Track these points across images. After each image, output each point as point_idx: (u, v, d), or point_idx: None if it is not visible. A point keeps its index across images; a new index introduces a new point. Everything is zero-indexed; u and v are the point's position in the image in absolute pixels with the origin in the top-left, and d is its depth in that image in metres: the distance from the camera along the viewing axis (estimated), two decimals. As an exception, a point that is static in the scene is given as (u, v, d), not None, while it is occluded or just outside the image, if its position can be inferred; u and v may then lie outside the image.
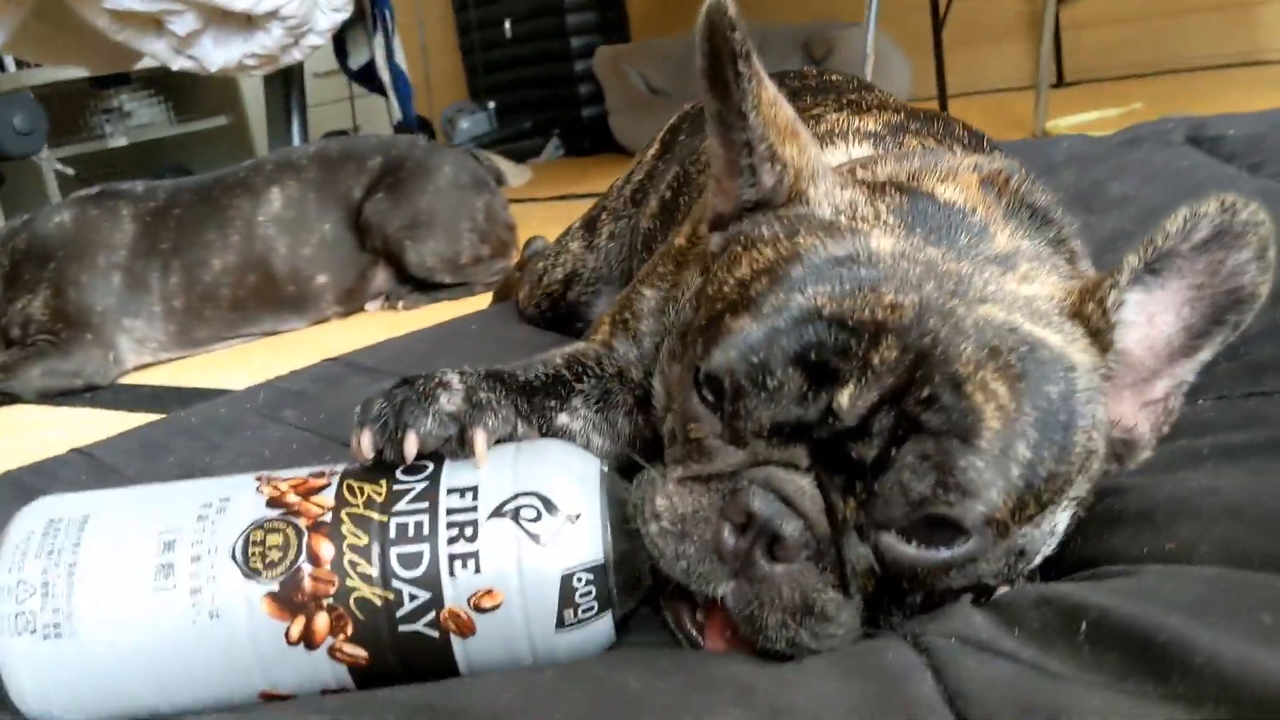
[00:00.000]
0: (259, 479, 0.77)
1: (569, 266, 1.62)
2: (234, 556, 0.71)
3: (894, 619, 0.74)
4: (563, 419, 0.90)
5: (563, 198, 4.00)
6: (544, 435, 0.88)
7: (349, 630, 0.71)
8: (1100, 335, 0.74)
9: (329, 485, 0.75)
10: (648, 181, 1.53)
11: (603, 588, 0.73)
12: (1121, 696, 0.62)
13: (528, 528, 0.72)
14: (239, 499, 0.75)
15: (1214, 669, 0.60)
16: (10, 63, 4.37)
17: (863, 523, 0.70)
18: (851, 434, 0.69)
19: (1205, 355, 0.76)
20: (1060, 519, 0.76)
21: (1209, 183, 1.38)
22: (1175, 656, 0.62)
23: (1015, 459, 0.68)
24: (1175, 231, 0.71)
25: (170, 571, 0.71)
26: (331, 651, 0.71)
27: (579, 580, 0.72)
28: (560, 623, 0.72)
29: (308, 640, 0.71)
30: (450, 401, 0.79)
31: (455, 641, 0.72)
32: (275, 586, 0.71)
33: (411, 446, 0.75)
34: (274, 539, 0.72)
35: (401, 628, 0.71)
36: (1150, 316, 0.75)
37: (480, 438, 0.76)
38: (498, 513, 0.72)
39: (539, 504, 0.73)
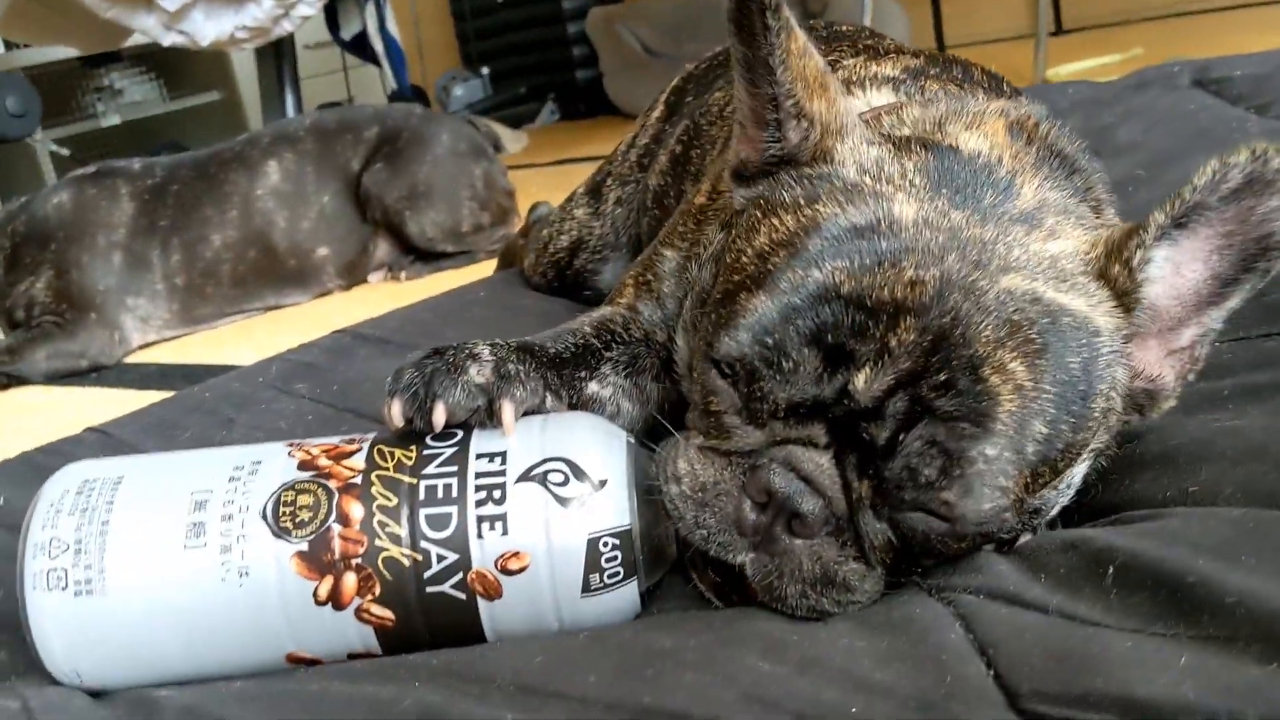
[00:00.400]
0: (290, 445, 0.78)
1: (575, 234, 1.61)
2: (264, 516, 0.72)
3: (915, 577, 0.75)
4: (593, 387, 0.90)
5: (560, 162, 3.99)
6: (574, 405, 0.88)
7: (376, 591, 0.71)
8: (1126, 296, 0.74)
9: (360, 450, 0.76)
10: (654, 145, 1.51)
11: (628, 554, 0.73)
12: (1151, 639, 0.62)
13: (555, 491, 0.72)
14: (270, 462, 0.76)
15: (1245, 608, 0.61)
16: (0, 44, 4.34)
17: (877, 502, 0.71)
18: (866, 415, 0.69)
19: (1234, 303, 0.76)
20: (1077, 472, 0.76)
21: (1216, 125, 1.37)
22: (1205, 597, 0.63)
23: (1031, 437, 0.68)
24: (1204, 184, 0.70)
25: (201, 530, 0.72)
26: (359, 612, 0.72)
27: (605, 545, 0.72)
28: (586, 587, 0.72)
29: (335, 600, 0.71)
30: (479, 373, 0.79)
31: (481, 604, 0.72)
32: (304, 546, 0.71)
33: (440, 416, 0.76)
34: (304, 499, 0.73)
35: (429, 589, 0.72)
36: (1177, 267, 0.74)
37: (508, 409, 0.77)
38: (526, 477, 0.73)
39: (566, 469, 0.73)
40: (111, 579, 0.71)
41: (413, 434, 0.77)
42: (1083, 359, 0.71)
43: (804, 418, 0.71)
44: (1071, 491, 0.78)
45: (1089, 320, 0.72)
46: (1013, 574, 0.71)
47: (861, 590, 0.72)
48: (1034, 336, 0.69)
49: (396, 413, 0.77)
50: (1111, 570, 0.68)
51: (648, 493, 0.76)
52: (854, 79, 1.02)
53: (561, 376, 0.87)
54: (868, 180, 0.77)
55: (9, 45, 4.34)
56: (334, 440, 0.78)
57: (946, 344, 0.68)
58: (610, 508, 0.73)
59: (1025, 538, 0.77)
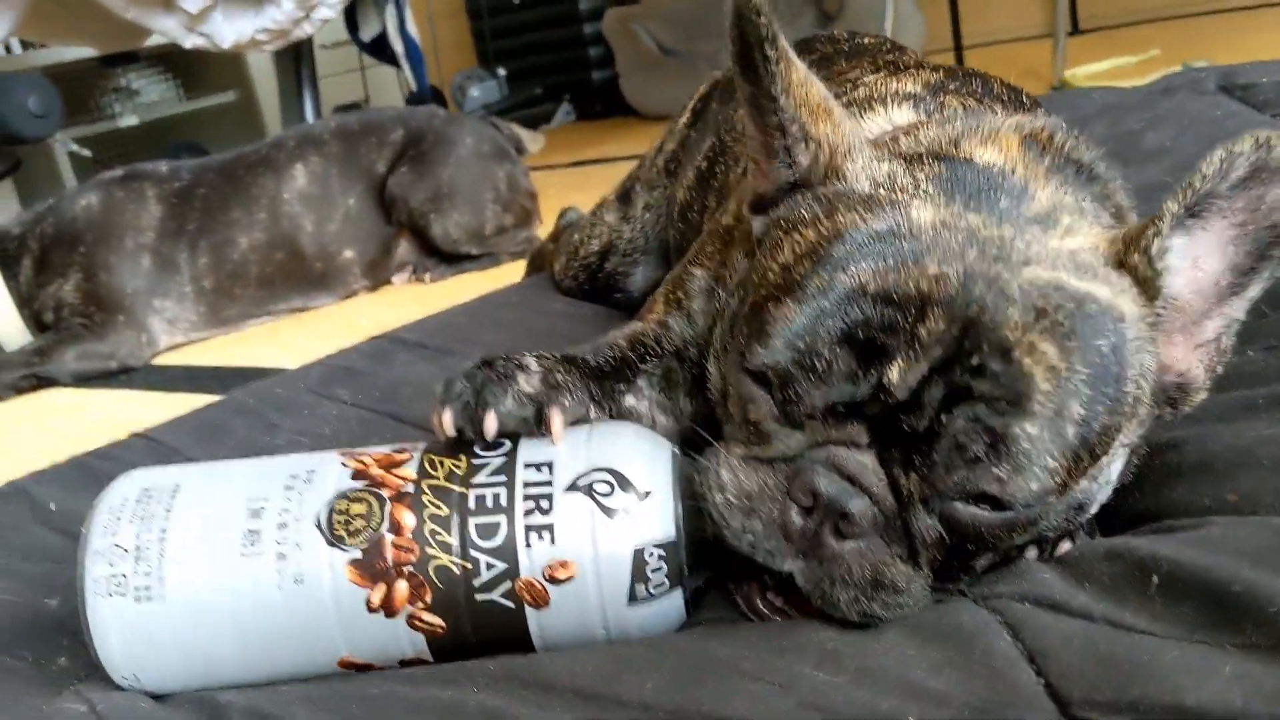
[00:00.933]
0: (343, 454, 0.79)
1: (605, 238, 1.63)
2: (319, 524, 0.74)
3: (962, 583, 0.76)
4: (629, 400, 0.92)
5: (578, 164, 4.00)
6: (613, 417, 0.89)
7: (427, 598, 0.73)
8: (1147, 283, 0.75)
9: (411, 459, 0.77)
10: (680, 151, 1.53)
11: (674, 564, 0.74)
12: (1197, 647, 0.63)
13: (602, 501, 0.73)
14: (324, 471, 0.77)
15: (1290, 617, 0.61)
16: (17, 44, 4.35)
17: (927, 494, 0.71)
18: (904, 408, 0.70)
19: (1254, 292, 0.77)
20: (1114, 467, 0.77)
21: (1243, 131, 1.38)
22: (1250, 606, 0.64)
23: (1069, 418, 0.69)
24: (1213, 173, 0.71)
25: (257, 538, 0.73)
26: (410, 619, 0.73)
27: (651, 555, 0.73)
28: (632, 597, 0.73)
29: (387, 607, 0.73)
30: (528, 383, 0.80)
31: (530, 613, 0.73)
32: (358, 554, 0.73)
33: (491, 424, 0.77)
34: (358, 508, 0.74)
35: (478, 597, 0.73)
36: (1195, 260, 0.75)
37: (557, 417, 0.78)
38: (573, 487, 0.74)
39: (613, 480, 0.74)
40: (170, 585, 0.73)
41: (462, 443, 0.79)
42: (1111, 343, 0.71)
43: (842, 418, 0.72)
44: (1109, 488, 0.78)
45: (1114, 306, 0.73)
46: (1057, 582, 0.72)
47: (910, 593, 0.73)
48: (1062, 320, 0.70)
49: (448, 422, 0.78)
50: (1156, 579, 0.69)
51: (695, 505, 0.76)
52: (875, 96, 1.03)
53: (603, 388, 0.88)
54: (883, 191, 0.79)
55: (25, 45, 4.36)
56: (385, 449, 0.80)
57: (976, 330, 0.69)
58: (656, 518, 0.74)
59: (1065, 546, 0.78)
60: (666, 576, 0.74)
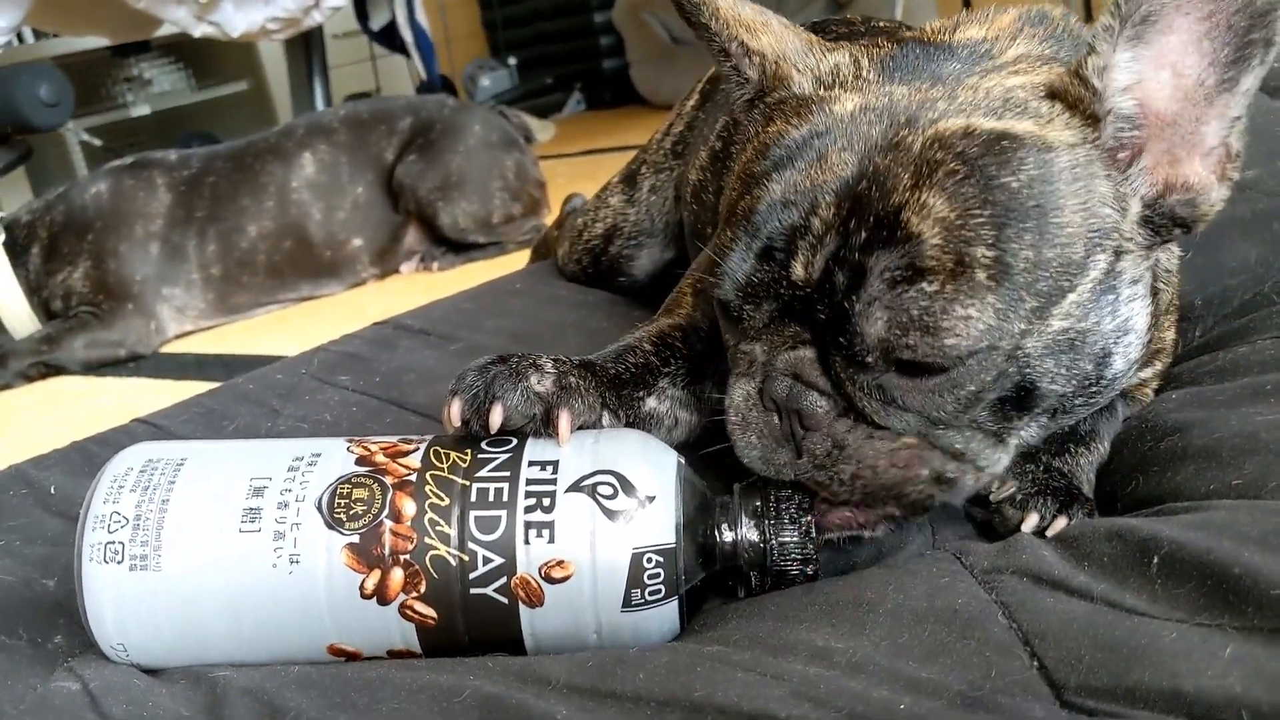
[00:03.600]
0: (350, 440, 0.79)
1: (610, 221, 1.62)
2: (319, 507, 0.73)
3: (955, 426, 0.75)
4: (650, 404, 0.91)
5: (588, 152, 3.99)
6: (631, 423, 0.89)
7: (422, 588, 0.72)
8: (1082, 107, 0.73)
9: (417, 450, 0.77)
10: (688, 133, 1.52)
11: (670, 572, 0.73)
12: (1197, 630, 0.62)
13: (604, 503, 0.73)
14: (330, 455, 0.77)
15: (1291, 601, 0.61)
16: (29, 33, 4.37)
17: (856, 376, 0.73)
18: (816, 299, 0.72)
19: (1248, 83, 0.72)
20: (1125, 310, 0.75)
21: (1256, 116, 1.36)
22: (1250, 589, 0.63)
23: (975, 263, 0.68)
24: None
25: (257, 515, 0.73)
26: (402, 608, 0.73)
27: (648, 561, 0.73)
28: (627, 602, 0.73)
29: (381, 595, 0.72)
30: (540, 382, 0.80)
31: (523, 610, 0.73)
32: (355, 538, 0.72)
33: (497, 418, 0.77)
34: (359, 493, 0.74)
35: (473, 590, 0.72)
36: (1172, 66, 0.72)
37: (564, 419, 0.78)
38: (576, 487, 0.74)
39: (616, 482, 0.74)
40: (166, 556, 0.73)
41: (469, 437, 0.79)
42: (1027, 176, 0.70)
43: (783, 323, 0.76)
44: (1135, 339, 0.77)
45: (1038, 138, 0.71)
46: (1058, 561, 0.72)
47: (892, 452, 0.75)
48: (956, 169, 0.69)
49: (455, 412, 0.78)
50: (1156, 560, 0.68)
51: (695, 514, 0.76)
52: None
53: (620, 397, 0.88)
54: (821, 90, 0.81)
55: (37, 34, 4.38)
56: (393, 438, 0.80)
57: (862, 205, 0.70)
58: (656, 524, 0.73)
59: (1061, 522, 0.78)
60: (663, 584, 0.73)
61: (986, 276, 0.68)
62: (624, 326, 1.40)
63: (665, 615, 0.74)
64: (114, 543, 0.73)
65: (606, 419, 0.85)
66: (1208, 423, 0.83)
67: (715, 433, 0.85)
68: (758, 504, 0.77)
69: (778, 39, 0.85)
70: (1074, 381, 0.74)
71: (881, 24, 1.36)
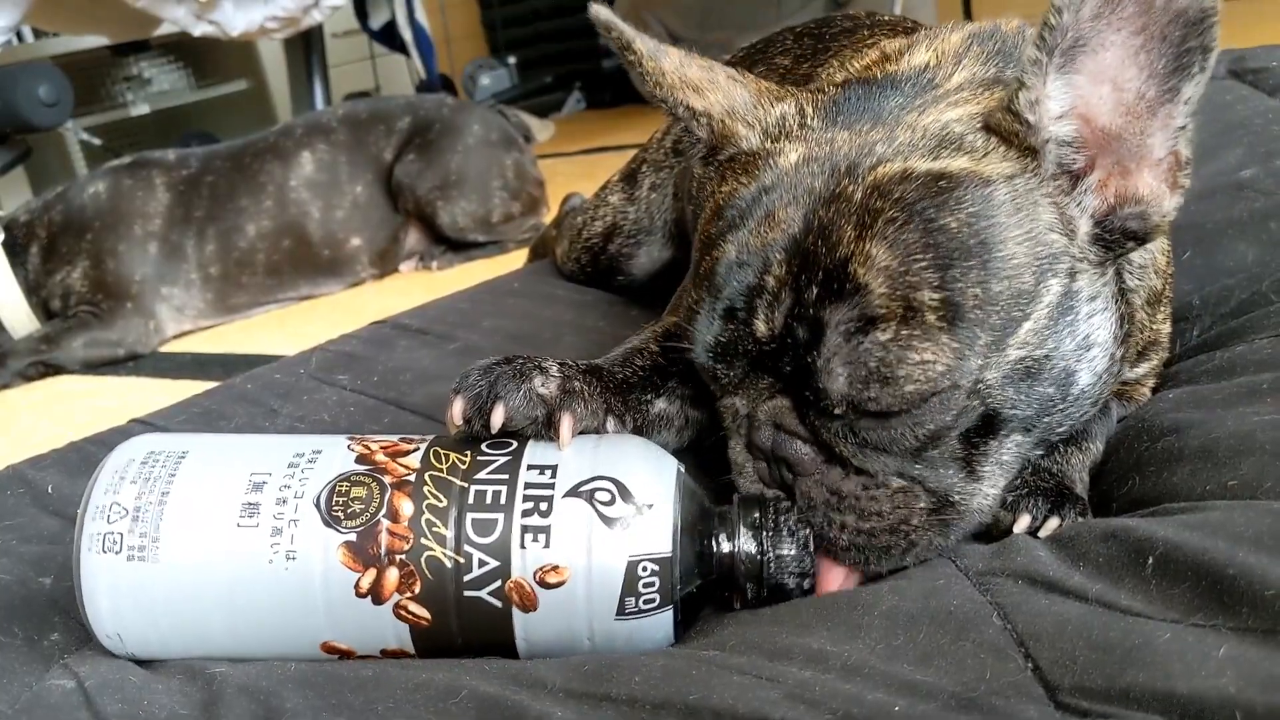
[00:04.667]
0: (352, 438, 0.79)
1: (609, 219, 1.62)
2: (317, 504, 0.73)
3: (929, 463, 0.75)
4: (659, 405, 0.92)
5: (588, 151, 4.00)
6: (639, 426, 0.89)
7: (416, 589, 0.72)
8: (1017, 139, 0.73)
9: (417, 450, 0.77)
10: (687, 131, 1.52)
11: (666, 582, 0.73)
12: (1192, 631, 0.62)
13: (601, 510, 0.73)
14: (330, 452, 0.77)
15: (1286, 601, 0.60)
16: (29, 32, 4.37)
17: (829, 424, 0.75)
18: (778, 354, 0.74)
19: (1189, 91, 0.71)
20: (1085, 327, 0.75)
21: (1254, 116, 1.37)
22: (1245, 589, 0.63)
23: (924, 306, 0.69)
24: (1067, 2, 0.69)
25: (255, 510, 0.74)
26: (397, 608, 0.73)
27: (644, 569, 0.72)
28: (620, 610, 0.72)
29: (375, 594, 0.72)
30: (544, 385, 0.80)
31: (516, 614, 0.72)
32: (352, 537, 0.72)
33: (499, 418, 0.77)
34: (358, 491, 0.74)
35: (466, 592, 0.72)
36: (1111, 81, 0.72)
37: (566, 422, 0.78)
38: (574, 492, 0.73)
39: (614, 489, 0.73)
40: (164, 548, 0.73)
41: (470, 439, 0.79)
42: (965, 214, 0.70)
43: (756, 376, 0.77)
44: (1100, 353, 0.76)
45: (973, 175, 0.72)
46: (1053, 561, 0.72)
47: (875, 499, 0.75)
48: (895, 216, 0.70)
49: (457, 412, 0.78)
50: (1152, 560, 0.68)
51: (693, 523, 0.76)
52: (885, 56, 1.02)
53: (626, 402, 0.88)
54: (768, 143, 0.82)
55: (37, 34, 4.38)
56: (394, 438, 0.80)
57: (810, 260, 0.71)
58: (653, 532, 0.73)
59: (1053, 523, 0.78)
60: (658, 592, 0.73)
61: (937, 319, 0.69)
62: (622, 326, 1.41)
63: (659, 624, 0.74)
64: (113, 533, 0.73)
65: (611, 424, 0.85)
66: (1204, 423, 0.83)
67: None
68: (756, 515, 0.77)
69: (725, 95, 0.86)
70: (1034, 405, 0.75)
71: (887, 17, 1.35)
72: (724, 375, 0.79)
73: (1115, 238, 0.76)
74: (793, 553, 0.76)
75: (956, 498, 0.76)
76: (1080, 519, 0.80)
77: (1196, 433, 0.82)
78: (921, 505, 0.75)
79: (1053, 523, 0.78)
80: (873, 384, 0.70)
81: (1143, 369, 0.95)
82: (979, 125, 0.75)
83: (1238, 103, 1.43)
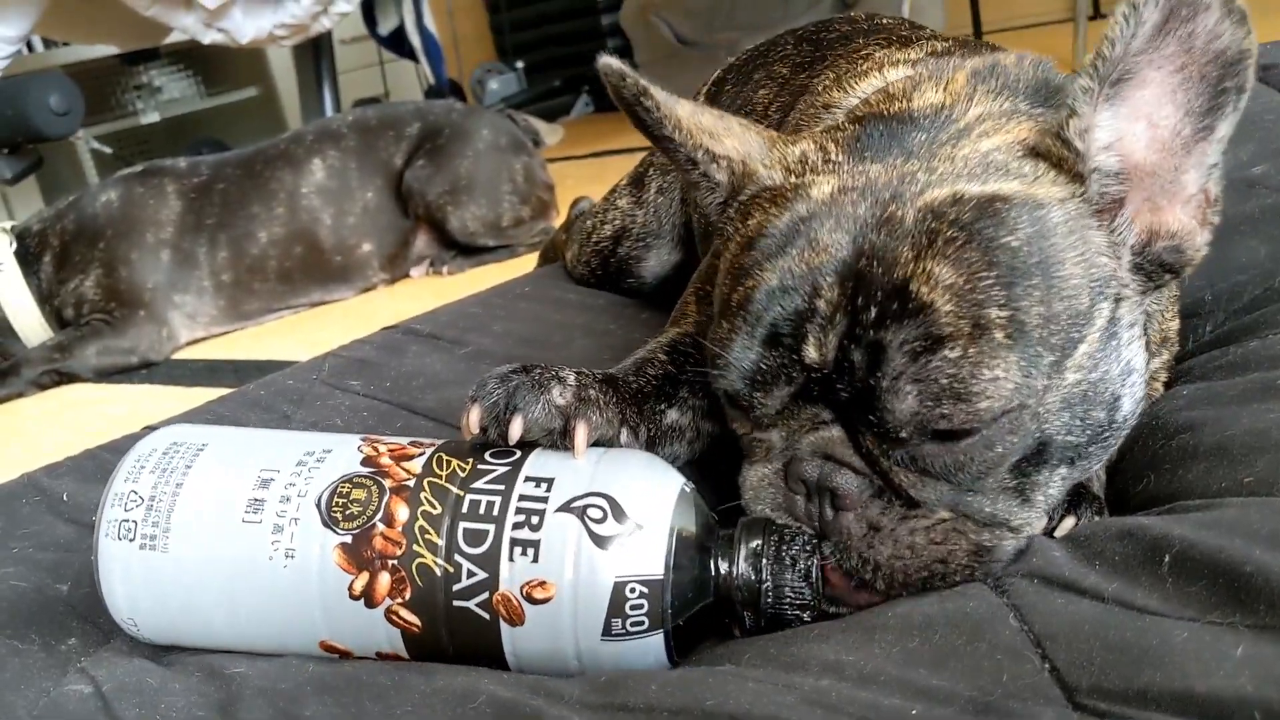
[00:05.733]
0: (364, 439, 0.80)
1: (618, 223, 1.62)
2: (318, 503, 0.74)
3: (984, 491, 0.74)
4: (672, 415, 0.91)
5: (596, 155, 4.00)
6: (654, 437, 0.88)
7: (407, 594, 0.72)
8: (1066, 165, 0.74)
9: (421, 455, 0.77)
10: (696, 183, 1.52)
11: (656, 605, 0.71)
12: (1209, 629, 0.62)
13: (592, 527, 0.71)
14: (339, 453, 0.78)
15: (1302, 599, 0.60)
16: (39, 42, 4.39)
17: (890, 450, 0.72)
18: (836, 378, 0.72)
19: (1224, 130, 0.73)
20: (1127, 353, 0.75)
21: (1264, 113, 1.36)
22: (1262, 587, 0.62)
23: (991, 324, 0.68)
24: (1121, 35, 0.69)
25: (260, 507, 0.75)
26: (388, 613, 0.73)
27: (631, 591, 0.71)
28: (607, 630, 0.71)
29: (368, 597, 0.73)
30: (561, 395, 0.80)
31: (504, 628, 0.72)
32: (348, 539, 0.73)
33: (517, 430, 0.77)
34: (358, 494, 0.74)
35: (455, 602, 0.72)
36: (1147, 118, 0.73)
37: (582, 431, 0.77)
38: (566, 507, 0.72)
39: (607, 506, 0.72)
40: (174, 538, 0.74)
41: (474, 447, 0.78)
42: (1025, 234, 0.70)
43: (801, 406, 0.75)
44: (1138, 378, 0.77)
45: (1028, 197, 0.72)
46: (1068, 561, 0.71)
47: (928, 531, 0.73)
48: (954, 236, 0.69)
49: (474, 419, 0.78)
50: (1168, 559, 0.68)
51: (693, 545, 0.74)
52: (874, 68, 1.03)
53: (641, 412, 0.88)
54: (792, 179, 0.81)
55: (49, 43, 4.40)
56: (404, 441, 0.80)
57: (866, 283, 0.70)
58: (643, 554, 0.71)
59: (1069, 523, 0.77)
60: (646, 615, 0.71)
61: (1004, 336, 0.68)
62: (634, 329, 1.41)
63: (649, 648, 0.72)
64: (128, 520, 0.75)
65: (625, 435, 0.84)
66: (1219, 420, 0.83)
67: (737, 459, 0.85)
68: (758, 543, 0.75)
69: (740, 140, 0.86)
70: (1088, 431, 0.74)
71: (885, 21, 1.35)
72: (760, 405, 0.76)
73: (1153, 269, 0.77)
74: (793, 583, 0.74)
75: (1015, 522, 0.74)
76: (1097, 518, 0.79)
77: (1211, 430, 0.82)
78: (965, 544, 0.73)
79: (1069, 522, 0.78)
80: (945, 401, 0.68)
81: (1155, 364, 0.95)
82: (1020, 154, 0.75)
83: (1249, 98, 1.42)
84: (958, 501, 0.73)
